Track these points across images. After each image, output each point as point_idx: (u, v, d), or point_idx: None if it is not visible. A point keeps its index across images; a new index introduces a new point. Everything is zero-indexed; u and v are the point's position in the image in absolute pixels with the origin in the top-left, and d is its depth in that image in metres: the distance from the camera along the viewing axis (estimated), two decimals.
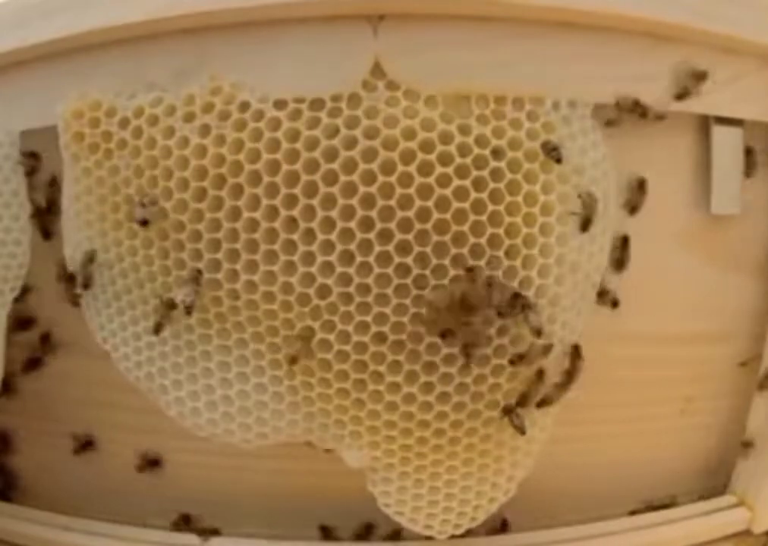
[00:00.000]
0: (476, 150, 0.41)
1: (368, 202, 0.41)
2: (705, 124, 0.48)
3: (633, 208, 0.47)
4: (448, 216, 0.41)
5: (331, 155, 0.41)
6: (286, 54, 0.42)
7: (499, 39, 0.42)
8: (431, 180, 0.41)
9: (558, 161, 0.41)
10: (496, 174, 0.41)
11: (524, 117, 0.42)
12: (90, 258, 0.46)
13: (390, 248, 0.41)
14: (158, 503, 0.53)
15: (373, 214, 0.41)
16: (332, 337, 0.42)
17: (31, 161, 0.48)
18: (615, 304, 0.47)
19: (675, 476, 0.54)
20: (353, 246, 0.41)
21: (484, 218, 0.41)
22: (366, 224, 0.41)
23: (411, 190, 0.41)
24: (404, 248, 0.41)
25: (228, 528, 0.51)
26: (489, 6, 0.41)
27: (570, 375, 0.44)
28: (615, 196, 0.45)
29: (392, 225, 0.41)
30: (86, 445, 0.53)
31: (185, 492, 0.52)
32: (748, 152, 0.50)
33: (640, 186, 0.47)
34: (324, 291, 0.42)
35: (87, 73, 0.45)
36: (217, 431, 0.46)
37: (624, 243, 0.47)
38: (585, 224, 0.43)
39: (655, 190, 0.48)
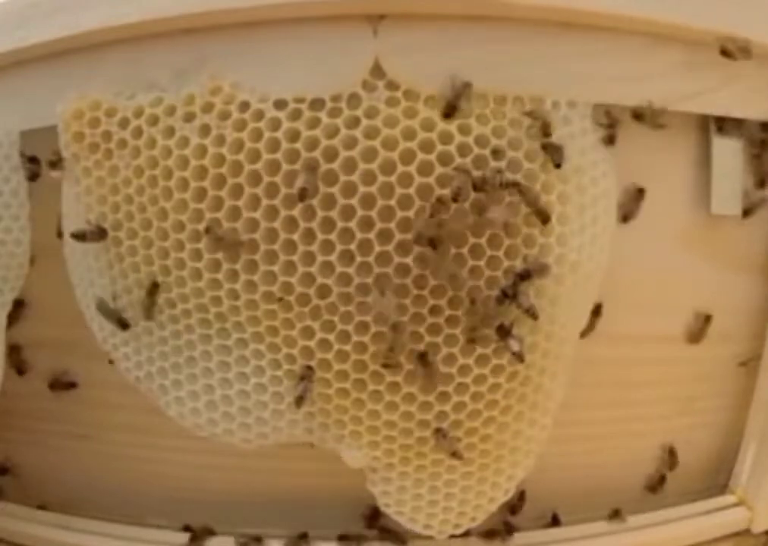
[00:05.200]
0: (476, 150, 0.41)
1: (368, 202, 0.41)
2: (705, 124, 0.48)
3: (626, 216, 0.47)
4: (448, 216, 0.41)
5: (331, 155, 0.41)
6: (286, 54, 0.42)
7: (499, 39, 0.42)
8: (431, 180, 0.41)
9: (558, 165, 0.41)
10: None
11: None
12: (152, 291, 0.44)
13: (390, 248, 0.41)
14: (157, 503, 0.53)
15: (373, 214, 0.41)
16: (331, 337, 0.42)
17: (32, 165, 0.48)
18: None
19: (675, 476, 0.54)
20: (353, 246, 0.41)
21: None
22: (366, 224, 0.41)
23: (411, 190, 0.41)
24: (404, 248, 0.41)
25: (227, 527, 0.51)
26: (489, 6, 0.41)
27: None
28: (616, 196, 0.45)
29: (392, 225, 0.41)
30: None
31: (185, 492, 0.52)
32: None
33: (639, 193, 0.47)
34: (324, 291, 0.42)
35: (87, 73, 0.45)
36: (217, 431, 0.46)
37: None
38: None
39: (655, 190, 0.48)
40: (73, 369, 0.52)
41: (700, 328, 0.51)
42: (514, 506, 0.50)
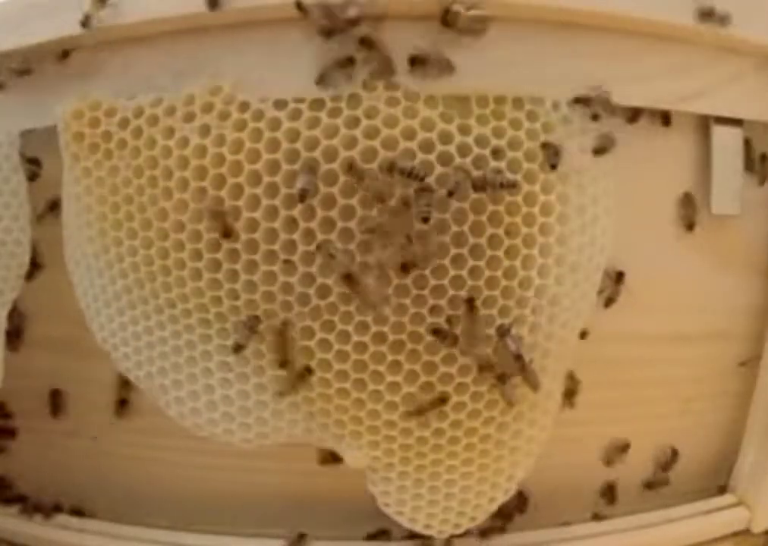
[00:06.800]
0: (476, 150, 0.41)
1: (368, 202, 0.41)
2: (705, 124, 0.49)
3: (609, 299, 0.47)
4: (447, 216, 0.41)
5: (331, 155, 0.41)
6: (286, 54, 0.42)
7: (499, 39, 0.42)
8: (431, 180, 0.41)
9: (554, 166, 0.41)
10: None
11: (523, 117, 0.42)
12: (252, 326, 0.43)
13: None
14: (157, 503, 0.53)
15: (373, 214, 0.41)
16: (331, 337, 0.42)
17: (32, 166, 0.48)
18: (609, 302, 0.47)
19: (675, 476, 0.54)
20: (353, 246, 0.41)
21: (484, 218, 0.41)
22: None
23: (411, 191, 0.41)
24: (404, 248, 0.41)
25: (227, 528, 0.52)
26: (489, 6, 0.41)
27: None
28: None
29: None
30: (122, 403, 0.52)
31: (185, 492, 0.52)
32: (763, 158, 0.50)
33: (618, 278, 0.47)
34: (324, 291, 0.42)
35: (87, 73, 0.45)
36: (217, 431, 0.46)
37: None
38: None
39: (655, 190, 0.48)
40: (72, 369, 0.52)
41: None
42: (517, 506, 0.50)
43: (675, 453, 0.53)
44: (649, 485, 0.53)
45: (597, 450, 0.52)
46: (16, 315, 0.51)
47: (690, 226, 0.48)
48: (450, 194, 0.40)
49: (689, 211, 0.48)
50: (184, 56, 0.43)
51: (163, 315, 0.45)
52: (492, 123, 0.42)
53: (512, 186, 0.41)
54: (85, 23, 0.43)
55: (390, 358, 0.43)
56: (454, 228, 0.41)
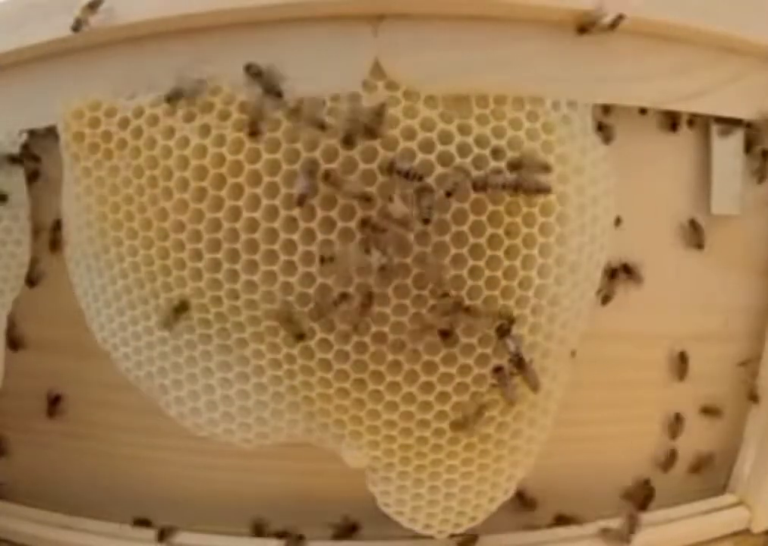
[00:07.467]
0: (476, 150, 0.41)
1: (368, 202, 0.41)
2: (705, 124, 0.48)
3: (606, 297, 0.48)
4: (447, 216, 0.41)
5: (331, 155, 0.41)
6: (285, 54, 0.42)
7: (499, 39, 0.42)
8: (431, 180, 0.41)
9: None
10: None
11: (523, 117, 0.42)
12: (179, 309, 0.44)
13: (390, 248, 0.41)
14: (157, 503, 0.53)
15: (373, 214, 0.41)
16: (331, 337, 0.42)
17: (32, 163, 0.48)
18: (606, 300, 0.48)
19: (675, 476, 0.54)
20: (352, 247, 0.41)
21: (484, 218, 0.41)
22: (366, 224, 0.41)
23: (411, 191, 0.41)
24: (404, 248, 0.41)
25: (228, 527, 0.52)
26: (489, 6, 0.41)
27: None
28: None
29: (392, 225, 0.41)
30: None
31: (185, 492, 0.52)
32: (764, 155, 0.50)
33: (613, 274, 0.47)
34: (324, 291, 0.42)
35: (87, 73, 0.45)
36: (217, 431, 0.46)
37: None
38: None
39: (655, 190, 0.48)
40: (72, 369, 0.52)
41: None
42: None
43: (674, 453, 0.53)
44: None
45: (597, 451, 0.52)
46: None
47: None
48: (449, 194, 0.40)
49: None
50: (184, 56, 0.43)
51: None
52: (492, 123, 0.42)
53: (512, 185, 0.41)
54: (76, 27, 0.43)
55: (390, 358, 0.43)
56: (454, 228, 0.41)
